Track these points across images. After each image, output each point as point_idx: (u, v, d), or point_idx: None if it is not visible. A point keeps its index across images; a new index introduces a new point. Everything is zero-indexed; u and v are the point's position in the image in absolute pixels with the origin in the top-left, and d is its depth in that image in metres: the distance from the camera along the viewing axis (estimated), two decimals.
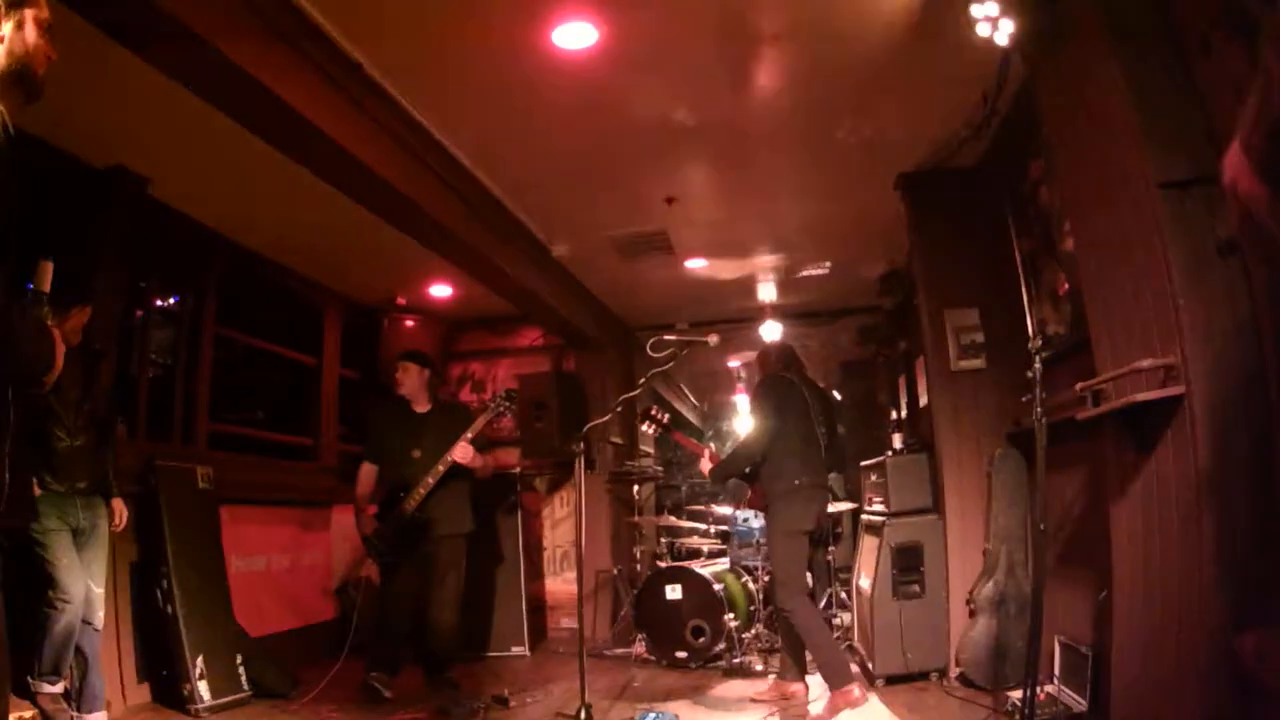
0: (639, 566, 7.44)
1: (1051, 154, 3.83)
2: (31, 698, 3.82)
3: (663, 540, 7.40)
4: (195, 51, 3.19)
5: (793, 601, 4.56)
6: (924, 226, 5.44)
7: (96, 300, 4.30)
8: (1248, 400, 2.44)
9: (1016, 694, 3.99)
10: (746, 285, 7.70)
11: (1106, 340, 3.12)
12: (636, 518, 7.56)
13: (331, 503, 6.86)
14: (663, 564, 6.80)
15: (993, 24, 3.08)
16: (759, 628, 6.18)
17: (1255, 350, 2.45)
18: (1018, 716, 3.72)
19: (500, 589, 6.77)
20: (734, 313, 8.30)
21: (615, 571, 7.64)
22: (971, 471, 5.00)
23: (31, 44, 1.71)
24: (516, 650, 6.66)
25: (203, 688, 4.56)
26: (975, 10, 3.10)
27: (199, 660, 4.60)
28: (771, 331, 8.11)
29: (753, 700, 4.87)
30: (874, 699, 4.59)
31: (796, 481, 4.63)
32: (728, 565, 6.75)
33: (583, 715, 4.17)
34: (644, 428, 5.61)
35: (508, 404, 5.41)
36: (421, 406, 5.39)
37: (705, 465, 5.07)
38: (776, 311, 8.22)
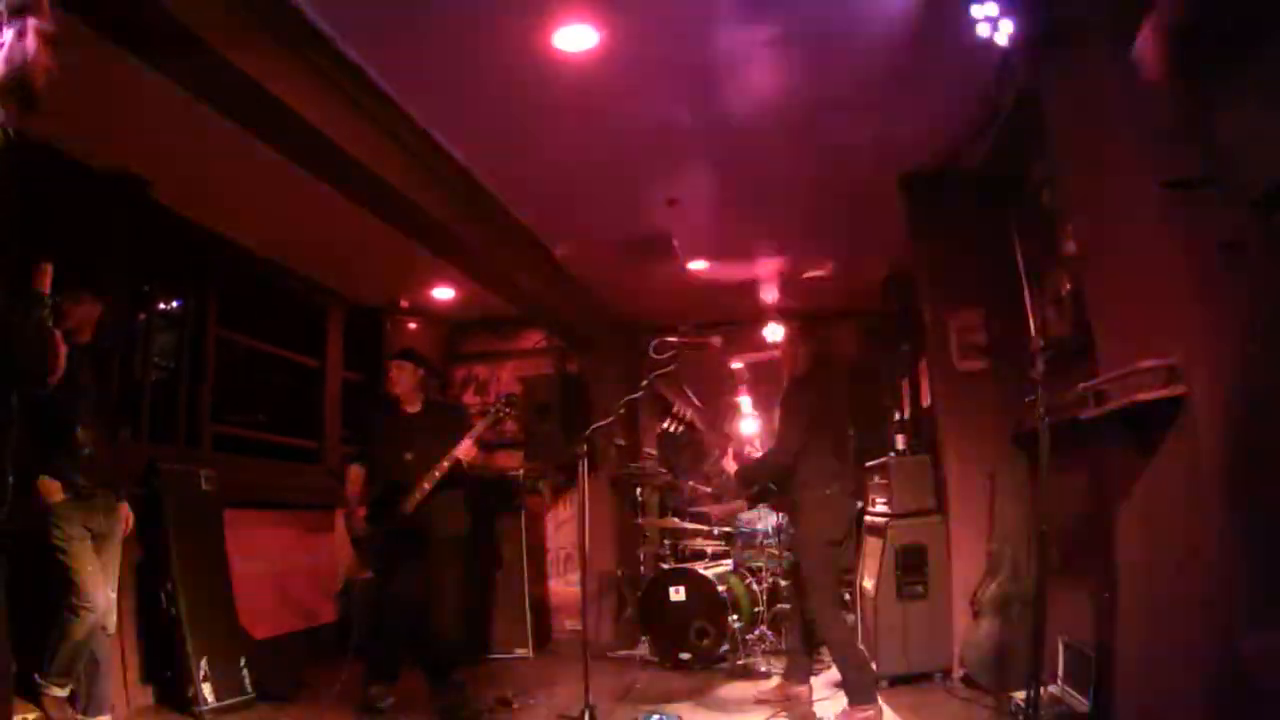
0: (642, 568, 7.44)
1: (1054, 155, 3.83)
2: (37, 699, 3.81)
3: (666, 542, 7.40)
4: (199, 58, 3.21)
5: (826, 613, 4.49)
6: (926, 228, 5.44)
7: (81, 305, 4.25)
8: (1250, 400, 2.44)
9: (1020, 695, 3.98)
10: (749, 287, 7.70)
11: (1109, 341, 3.12)
12: (640, 519, 7.55)
13: (335, 505, 6.83)
14: (666, 565, 6.80)
15: (993, 24, 3.07)
16: (763, 629, 6.17)
17: (1257, 350, 2.44)
18: (1021, 717, 3.71)
19: (504, 591, 6.77)
20: (737, 314, 8.29)
21: (619, 573, 7.63)
22: (974, 472, 4.99)
23: (31, 54, 1.70)
24: (520, 652, 6.66)
25: (206, 690, 4.56)
26: (975, 11, 3.09)
27: (202, 662, 4.60)
28: (775, 334, 8.10)
29: (756, 700, 4.87)
30: (879, 703, 4.58)
31: (828, 491, 4.50)
32: (731, 567, 6.75)
33: (587, 717, 4.16)
34: (665, 425, 5.52)
35: (507, 409, 5.24)
36: (413, 407, 5.21)
37: (730, 464, 4.99)
38: (779, 313, 8.21)
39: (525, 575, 6.82)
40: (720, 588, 6.02)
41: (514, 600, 6.76)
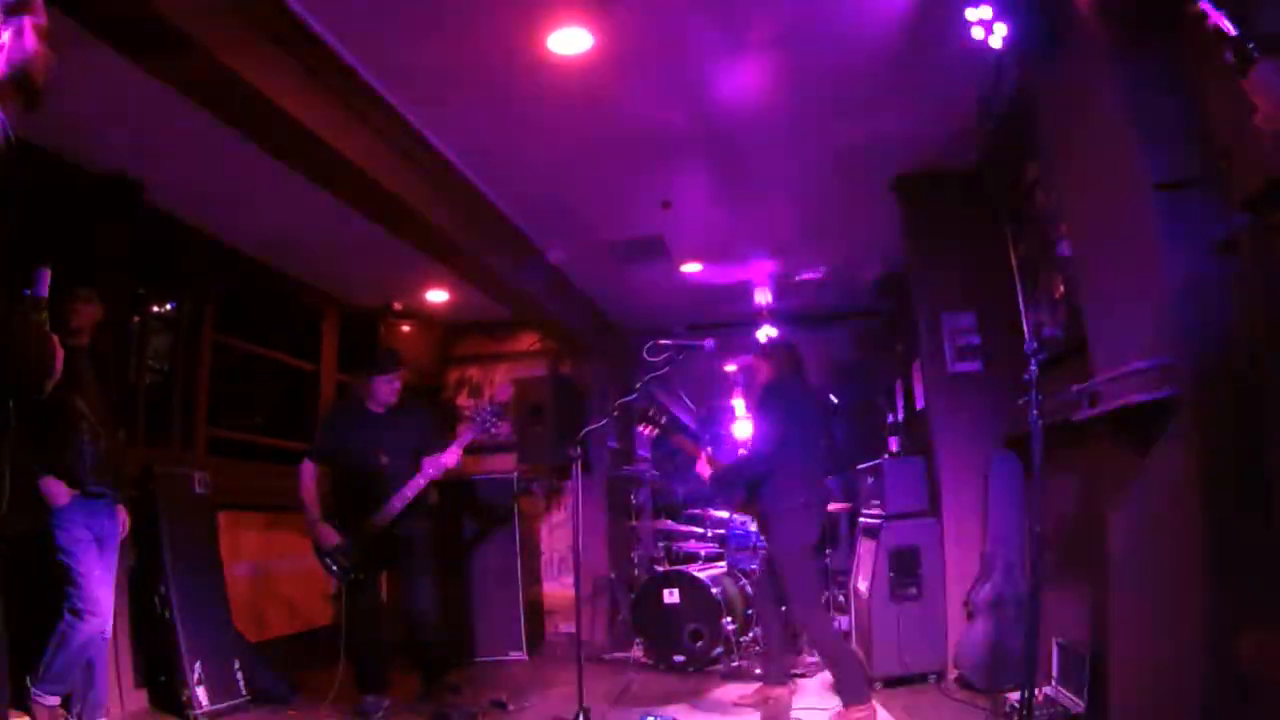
0: (636, 571, 7.44)
1: (1047, 156, 3.85)
2: (27, 707, 3.74)
3: (660, 544, 7.40)
4: (192, 60, 3.20)
5: (809, 615, 4.55)
6: (920, 229, 5.47)
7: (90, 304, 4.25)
8: (1242, 401, 2.45)
9: (1014, 696, 4.00)
10: (742, 289, 7.71)
11: (1102, 342, 3.13)
12: (634, 522, 7.55)
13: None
14: (660, 568, 6.81)
15: (987, 27, 3.08)
16: (757, 631, 6.17)
17: (1250, 350, 2.45)
18: (1016, 718, 3.72)
19: (497, 594, 6.76)
20: (730, 317, 8.29)
21: (612, 576, 7.64)
22: (968, 474, 5.00)
23: (31, 51, 1.71)
24: (514, 655, 6.66)
25: (201, 693, 4.54)
26: (969, 14, 3.10)
27: (197, 665, 4.59)
28: (769, 335, 8.12)
29: (735, 704, 4.90)
30: (872, 701, 4.59)
31: (801, 500, 4.55)
32: (725, 569, 6.75)
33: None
34: (642, 430, 5.55)
35: (495, 419, 5.14)
36: (377, 406, 4.99)
37: (704, 468, 5.03)
38: (773, 315, 8.22)
39: (519, 577, 6.81)
40: (714, 590, 6.02)
41: (508, 603, 6.76)
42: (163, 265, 5.53)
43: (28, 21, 1.72)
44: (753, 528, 6.84)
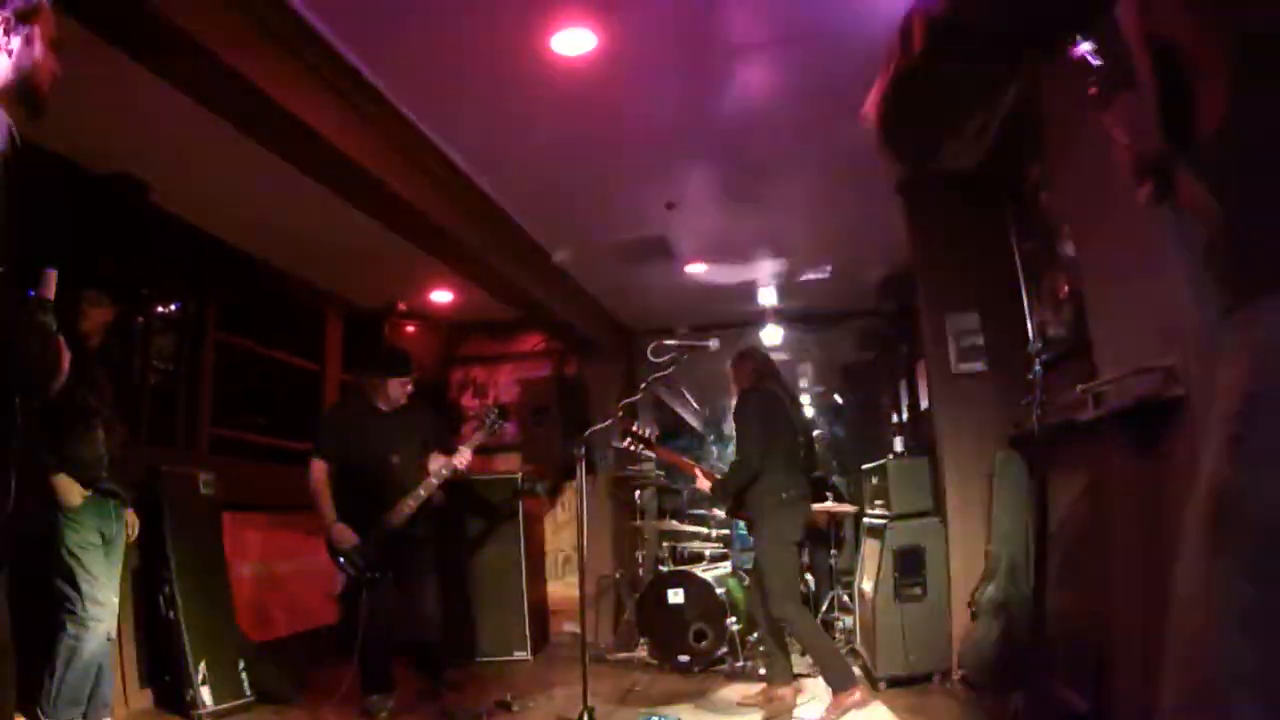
0: (641, 571, 7.44)
1: (1051, 157, 3.84)
2: None
3: (664, 544, 7.40)
4: (197, 60, 3.21)
5: (787, 609, 4.61)
6: (924, 230, 5.46)
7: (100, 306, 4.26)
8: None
9: (1019, 696, 3.99)
10: (747, 290, 7.71)
11: (1107, 342, 3.13)
12: (638, 522, 7.55)
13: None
14: (665, 568, 6.80)
15: None
16: (761, 631, 6.17)
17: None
18: (1021, 719, 3.72)
19: (502, 593, 6.75)
20: (735, 317, 8.29)
21: (617, 576, 7.63)
22: (973, 474, 4.99)
23: (38, 60, 1.71)
24: (519, 655, 6.65)
25: (205, 693, 4.55)
26: None
27: (201, 665, 4.60)
28: (772, 335, 8.13)
29: (739, 704, 4.91)
30: (876, 702, 4.59)
31: (785, 495, 4.67)
32: (730, 569, 6.75)
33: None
34: (624, 445, 5.35)
35: (500, 422, 5.13)
36: (386, 406, 4.94)
37: (703, 483, 5.06)
38: (777, 315, 8.23)
39: (524, 577, 6.81)
40: (719, 590, 6.02)
41: (512, 603, 6.75)
42: (167, 266, 5.55)
43: (38, 30, 1.73)
44: None
